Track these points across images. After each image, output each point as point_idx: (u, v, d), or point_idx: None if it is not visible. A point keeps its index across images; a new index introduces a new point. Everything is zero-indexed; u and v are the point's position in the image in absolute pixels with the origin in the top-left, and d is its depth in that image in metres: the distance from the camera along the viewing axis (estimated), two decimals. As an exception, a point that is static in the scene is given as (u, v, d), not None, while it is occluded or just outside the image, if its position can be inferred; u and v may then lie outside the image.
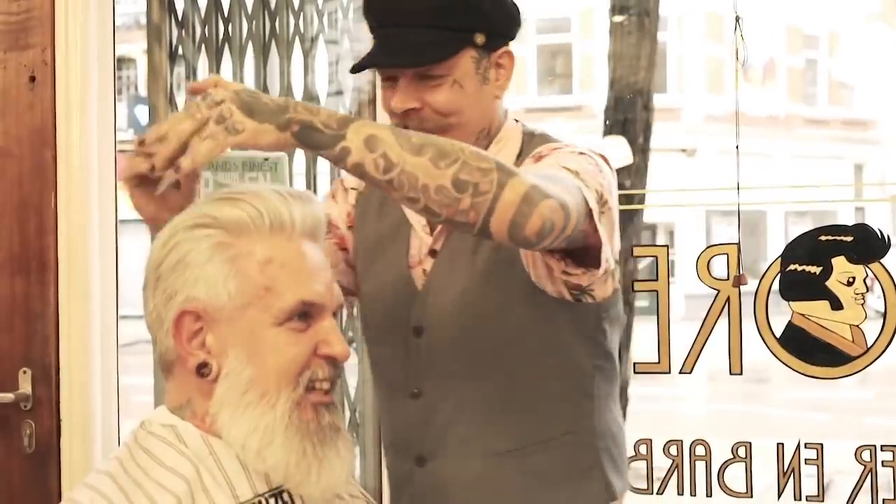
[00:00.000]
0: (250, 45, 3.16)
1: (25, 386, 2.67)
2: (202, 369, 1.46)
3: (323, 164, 3.07)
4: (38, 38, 2.66)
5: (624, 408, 5.98)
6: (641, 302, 3.87)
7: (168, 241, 1.48)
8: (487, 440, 1.86)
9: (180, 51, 3.19)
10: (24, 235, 2.69)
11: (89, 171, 2.69)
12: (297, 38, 3.13)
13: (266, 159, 2.89)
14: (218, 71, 3.17)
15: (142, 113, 15.60)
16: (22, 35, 2.65)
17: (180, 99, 3.17)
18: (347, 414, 3.05)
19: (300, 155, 3.04)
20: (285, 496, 1.48)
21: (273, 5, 3.11)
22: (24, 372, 2.67)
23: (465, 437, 1.86)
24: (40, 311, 2.66)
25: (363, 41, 3.03)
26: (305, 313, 1.46)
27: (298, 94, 3.13)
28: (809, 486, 2.59)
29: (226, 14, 3.14)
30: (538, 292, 1.81)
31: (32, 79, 2.66)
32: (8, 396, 2.68)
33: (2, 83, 2.66)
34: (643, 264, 3.10)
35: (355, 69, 1.85)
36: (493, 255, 1.82)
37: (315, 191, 3.08)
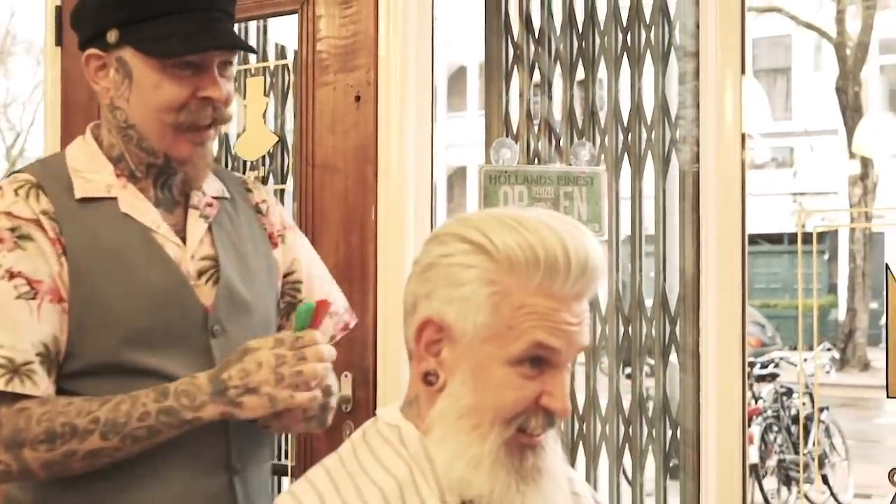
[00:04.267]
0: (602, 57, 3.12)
1: (346, 389, 2.79)
2: (429, 377, 1.51)
3: (648, 183, 2.95)
4: (363, 59, 2.78)
5: None
6: None
7: (447, 245, 1.50)
8: None
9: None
10: (349, 246, 2.81)
11: (406, 186, 2.78)
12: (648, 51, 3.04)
13: (583, 173, 2.84)
14: (572, 85, 3.16)
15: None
16: (349, 58, 2.78)
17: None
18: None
19: (626, 169, 2.95)
20: None
21: (625, 19, 3.06)
22: (346, 376, 2.79)
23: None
24: (361, 318, 2.76)
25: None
26: (539, 358, 1.45)
27: (649, 108, 3.04)
28: None
29: (580, 28, 3.13)
30: None
31: (357, 98, 2.79)
32: (332, 399, 2.80)
33: (332, 103, 2.80)
34: None
35: (183, 51, 1.77)
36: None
37: (640, 209, 2.96)
